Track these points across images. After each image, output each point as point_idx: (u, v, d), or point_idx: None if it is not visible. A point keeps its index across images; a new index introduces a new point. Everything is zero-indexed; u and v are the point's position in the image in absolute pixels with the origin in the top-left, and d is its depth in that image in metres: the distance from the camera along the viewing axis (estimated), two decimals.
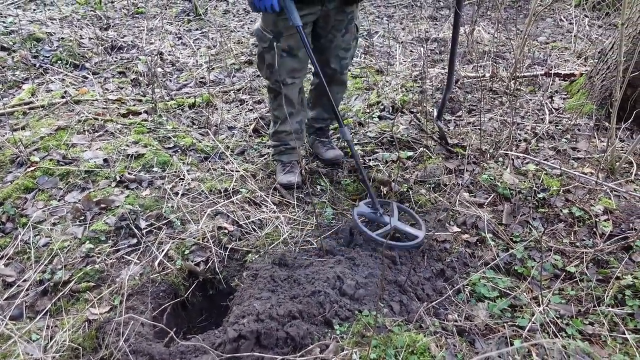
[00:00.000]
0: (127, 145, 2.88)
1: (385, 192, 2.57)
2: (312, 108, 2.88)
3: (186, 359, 1.62)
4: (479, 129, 3.16)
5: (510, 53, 4.73)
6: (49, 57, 4.22)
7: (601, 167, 2.80)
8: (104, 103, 3.47)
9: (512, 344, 1.71)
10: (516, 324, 1.82)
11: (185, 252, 2.18)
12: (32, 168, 2.61)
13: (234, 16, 6.06)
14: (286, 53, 2.39)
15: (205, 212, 2.39)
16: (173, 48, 4.83)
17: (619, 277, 2.02)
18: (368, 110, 3.61)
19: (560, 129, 3.32)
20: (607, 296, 1.94)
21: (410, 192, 2.62)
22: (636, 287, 1.95)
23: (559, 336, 1.77)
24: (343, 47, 2.53)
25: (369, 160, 2.97)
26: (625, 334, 1.77)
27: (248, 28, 5.60)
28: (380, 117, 3.50)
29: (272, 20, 2.32)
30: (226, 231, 2.31)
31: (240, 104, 3.78)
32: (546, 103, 3.69)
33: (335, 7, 2.37)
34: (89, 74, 4.07)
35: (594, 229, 2.36)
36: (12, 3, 5.44)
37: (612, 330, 1.81)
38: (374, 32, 5.55)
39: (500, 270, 2.14)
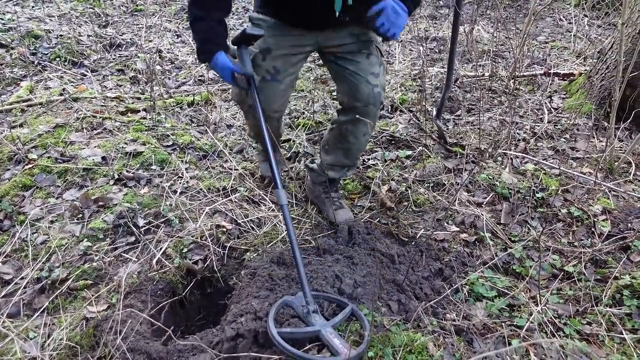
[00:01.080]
0: (126, 143, 2.88)
1: (385, 209, 2.53)
2: (328, 152, 2.34)
3: (184, 357, 1.61)
4: (478, 128, 3.16)
5: (509, 52, 4.73)
6: (47, 54, 4.20)
7: (600, 167, 2.80)
8: (103, 101, 3.46)
9: (510, 344, 1.71)
10: (514, 323, 1.82)
11: (184, 251, 2.18)
12: (30, 165, 2.61)
13: (233, 14, 6.05)
14: (270, 76, 2.06)
15: (203, 211, 2.39)
16: (172, 46, 4.82)
17: (617, 277, 2.02)
18: None
19: (559, 128, 3.32)
20: (605, 296, 1.95)
21: (409, 192, 2.61)
22: (634, 287, 1.95)
23: (557, 336, 1.77)
24: (371, 72, 2.08)
25: (368, 159, 2.97)
26: (623, 334, 1.77)
27: (247, 26, 5.58)
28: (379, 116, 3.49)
29: (262, 38, 2.01)
30: (224, 229, 2.30)
31: None
32: (545, 102, 3.69)
33: (341, 31, 2.06)
34: (87, 71, 4.05)
35: (593, 229, 2.36)
36: (10, 0, 5.42)
37: (610, 330, 1.81)
38: None
39: (499, 270, 2.14)
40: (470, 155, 2.95)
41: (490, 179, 2.70)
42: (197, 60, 2.08)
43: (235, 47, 1.99)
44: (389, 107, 3.61)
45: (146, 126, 3.13)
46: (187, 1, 1.88)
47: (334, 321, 1.67)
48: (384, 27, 1.87)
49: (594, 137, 3.20)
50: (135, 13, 5.63)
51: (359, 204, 2.58)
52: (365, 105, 2.09)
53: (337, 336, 1.60)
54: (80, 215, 2.34)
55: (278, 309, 1.69)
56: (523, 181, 2.69)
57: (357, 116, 2.10)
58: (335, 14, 1.88)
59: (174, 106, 3.52)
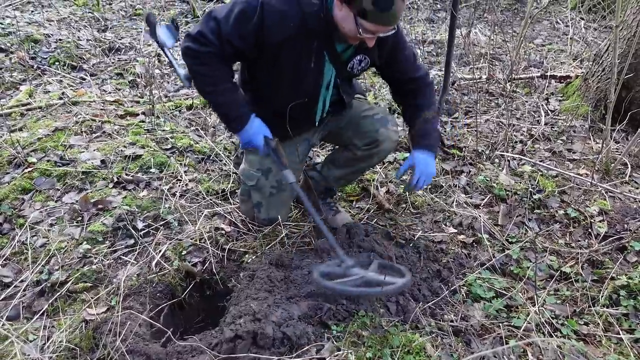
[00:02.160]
0: (125, 147, 2.89)
1: (383, 211, 2.54)
2: (338, 166, 2.30)
3: (183, 359, 1.62)
4: (476, 130, 3.18)
5: (506, 55, 4.75)
6: (46, 58, 4.22)
7: (596, 169, 2.82)
8: (102, 104, 3.47)
9: (507, 344, 1.72)
10: (512, 324, 1.84)
11: (183, 253, 2.19)
12: (30, 169, 2.61)
13: None
14: (275, 189, 2.17)
15: (202, 213, 2.40)
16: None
17: (614, 278, 2.04)
18: None
19: (555, 130, 3.34)
20: (602, 296, 1.96)
21: (407, 194, 2.63)
22: (631, 288, 1.97)
23: (554, 336, 1.78)
24: (363, 109, 2.17)
25: None
26: (619, 334, 1.78)
27: None
28: None
29: (258, 160, 2.15)
30: (223, 232, 2.31)
31: None
32: (542, 105, 3.71)
33: (326, 123, 2.16)
34: (86, 75, 4.07)
35: (589, 230, 2.37)
36: (9, 4, 5.44)
37: (607, 330, 1.83)
38: None
39: (496, 271, 2.15)
40: (468, 158, 2.97)
41: (487, 180, 2.72)
42: (228, 131, 2.07)
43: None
44: (387, 109, 3.63)
45: (145, 130, 3.14)
46: (196, 87, 1.89)
47: (373, 267, 1.83)
48: (419, 182, 2.00)
49: (590, 139, 3.22)
50: (134, 17, 5.65)
51: (357, 206, 2.60)
52: (377, 139, 2.12)
53: (383, 274, 1.74)
54: (80, 218, 2.35)
55: (320, 276, 1.76)
56: (520, 183, 2.71)
57: (373, 148, 2.14)
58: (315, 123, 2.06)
59: (172, 110, 3.53)
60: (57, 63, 4.14)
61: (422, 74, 2.05)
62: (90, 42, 4.65)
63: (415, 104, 2.06)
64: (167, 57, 2.13)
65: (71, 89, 3.74)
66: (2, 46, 4.25)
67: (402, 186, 1.76)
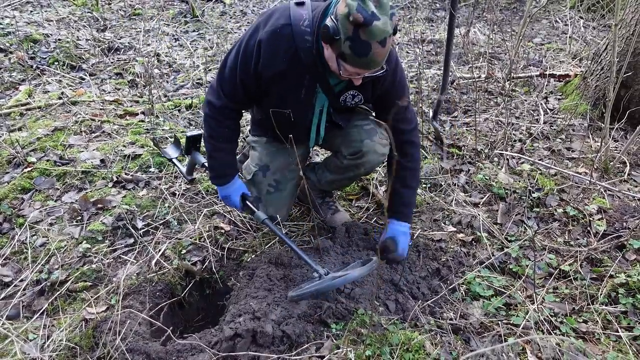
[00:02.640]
0: (124, 146, 2.89)
1: (382, 210, 2.54)
2: (331, 172, 2.25)
3: (183, 357, 1.63)
4: (475, 129, 3.18)
5: (505, 54, 4.75)
6: (46, 58, 4.22)
7: (595, 167, 2.82)
8: (101, 104, 3.48)
9: (506, 342, 1.72)
10: (511, 322, 1.84)
11: (182, 252, 2.19)
12: (29, 169, 2.62)
13: (230, 18, 6.08)
14: (273, 188, 2.20)
15: (202, 212, 2.40)
16: (170, 49, 4.84)
17: (613, 276, 2.04)
18: None
19: (554, 129, 3.35)
20: (600, 294, 1.96)
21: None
22: (629, 286, 1.97)
23: (553, 334, 1.78)
24: (356, 120, 2.11)
25: None
26: (618, 332, 1.78)
27: (245, 30, 5.62)
28: None
29: (257, 156, 2.22)
30: (223, 231, 2.32)
31: None
32: (541, 104, 3.71)
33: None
34: (85, 75, 4.07)
35: (588, 228, 2.38)
36: (9, 4, 5.44)
37: (606, 328, 1.83)
38: None
39: (495, 269, 2.15)
40: (467, 156, 2.97)
41: (486, 179, 2.72)
42: (210, 181, 2.20)
43: (188, 154, 2.30)
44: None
45: (145, 129, 3.14)
46: (205, 135, 2.02)
47: (352, 266, 1.89)
48: (403, 253, 2.04)
49: (589, 138, 3.22)
50: (134, 17, 5.65)
51: (356, 205, 2.60)
52: (361, 149, 2.06)
53: (347, 270, 1.82)
54: (79, 217, 2.35)
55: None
56: (519, 181, 2.71)
57: (358, 159, 2.09)
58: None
59: (172, 109, 3.54)
60: (56, 63, 4.15)
61: (410, 128, 2.03)
62: (89, 42, 4.65)
63: (406, 166, 2.04)
64: (174, 164, 2.46)
65: (70, 89, 3.75)
66: (2, 46, 4.25)
67: (378, 256, 1.77)
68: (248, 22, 5.89)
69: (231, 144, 2.05)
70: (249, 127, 2.44)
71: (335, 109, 2.01)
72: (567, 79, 4.02)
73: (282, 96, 1.89)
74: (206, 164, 2.17)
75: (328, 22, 1.59)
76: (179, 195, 2.53)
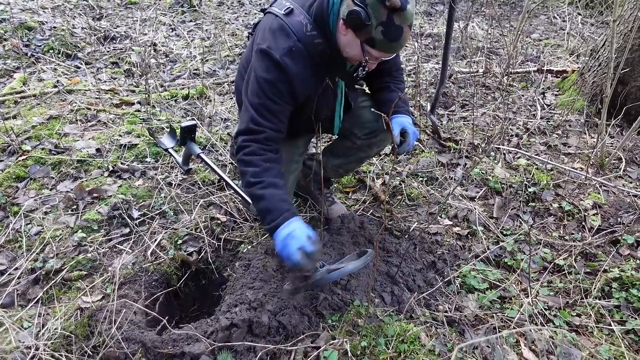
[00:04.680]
0: (120, 136, 2.87)
1: (379, 203, 2.56)
2: (337, 156, 2.26)
3: (178, 346, 1.63)
4: (472, 123, 3.19)
5: (503, 49, 4.75)
6: (40, 46, 4.17)
7: (591, 163, 2.84)
8: (97, 93, 3.45)
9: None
10: (505, 315, 1.85)
11: (178, 242, 2.19)
12: (24, 157, 2.60)
13: (228, 8, 6.03)
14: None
15: (198, 203, 2.40)
16: (167, 39, 4.80)
17: (607, 270, 2.06)
18: None
19: (551, 124, 3.36)
20: (594, 288, 1.98)
21: (403, 185, 2.63)
22: (623, 280, 1.99)
23: (547, 327, 1.80)
24: (361, 99, 2.16)
25: None
26: (611, 325, 1.80)
27: (242, 20, 5.57)
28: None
29: None
30: (219, 222, 2.31)
31: (234, 96, 3.77)
32: (538, 99, 3.72)
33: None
34: (81, 63, 4.03)
35: (583, 223, 2.39)
36: None
37: (599, 321, 1.85)
38: None
39: (490, 263, 2.17)
40: (464, 150, 2.97)
41: (483, 173, 2.73)
42: (265, 230, 1.90)
43: (184, 145, 2.21)
44: None
45: (141, 119, 3.12)
46: (243, 182, 1.76)
47: (347, 259, 1.81)
48: (412, 141, 2.00)
49: (585, 133, 3.23)
50: (130, 6, 5.59)
51: (353, 197, 2.60)
52: (377, 128, 2.09)
53: (342, 263, 1.73)
54: (75, 206, 2.34)
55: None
56: (515, 176, 2.72)
57: (372, 138, 2.13)
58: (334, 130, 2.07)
59: (168, 99, 3.51)
60: (51, 51, 4.10)
61: (400, 72, 2.11)
62: (85, 30, 4.60)
63: (390, 86, 2.07)
64: (170, 154, 2.37)
65: (66, 77, 3.71)
66: None
67: (396, 150, 1.84)
68: (245, 13, 5.85)
69: (275, 177, 1.72)
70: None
71: (348, 88, 2.02)
72: (564, 74, 4.03)
73: (313, 99, 1.86)
74: (217, 169, 2.10)
75: (355, 8, 1.55)
76: (175, 185, 2.52)
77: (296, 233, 1.57)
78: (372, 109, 1.84)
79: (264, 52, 1.68)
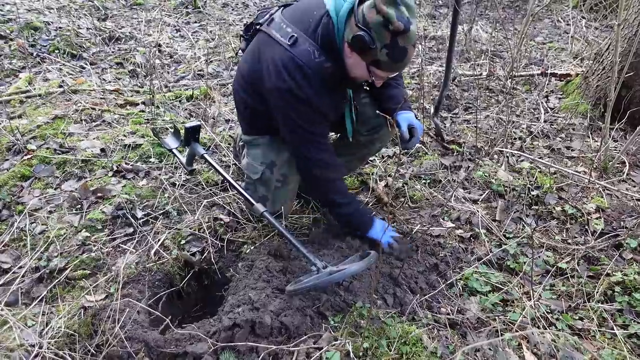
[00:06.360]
0: (125, 136, 2.88)
1: (382, 205, 2.55)
2: (340, 154, 2.25)
3: (181, 346, 1.63)
4: (475, 126, 3.19)
5: (507, 52, 4.75)
6: (46, 46, 4.20)
7: (594, 166, 2.83)
8: (102, 93, 3.47)
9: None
10: (507, 318, 1.85)
11: (181, 242, 2.19)
12: (29, 156, 2.61)
13: (232, 9, 6.05)
14: (280, 183, 2.17)
15: (201, 203, 2.41)
16: (171, 40, 4.82)
17: (609, 274, 2.05)
18: None
19: (555, 128, 3.35)
20: (597, 292, 1.98)
21: (406, 188, 2.64)
22: (625, 284, 1.98)
23: (549, 330, 1.80)
24: (362, 96, 2.23)
25: None
26: (613, 329, 1.80)
27: (247, 22, 5.59)
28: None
29: (261, 154, 2.16)
30: (222, 222, 2.32)
31: None
32: (542, 102, 3.72)
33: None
34: (86, 64, 4.05)
35: (586, 227, 2.39)
36: None
37: (601, 325, 1.84)
38: None
39: (493, 266, 2.17)
40: (467, 153, 2.98)
41: (486, 176, 2.73)
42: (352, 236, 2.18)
43: (188, 145, 2.24)
44: None
45: (145, 119, 3.13)
46: (322, 201, 2.13)
47: (350, 260, 1.89)
48: (418, 135, 2.09)
49: (589, 137, 3.23)
50: (135, 7, 5.62)
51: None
52: (379, 124, 2.20)
53: (345, 264, 1.83)
54: (79, 206, 2.35)
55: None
56: (518, 179, 2.72)
57: (375, 133, 2.23)
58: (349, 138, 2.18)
59: (172, 100, 3.53)
60: (56, 51, 4.12)
61: (400, 81, 2.18)
62: (90, 30, 4.63)
63: (390, 83, 2.12)
64: (174, 154, 2.38)
65: (71, 77, 3.73)
66: (2, 33, 4.22)
67: (404, 146, 2.03)
68: (250, 15, 5.86)
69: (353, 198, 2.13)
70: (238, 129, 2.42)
71: (354, 92, 2.09)
72: (568, 78, 4.02)
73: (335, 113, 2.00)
74: (220, 170, 2.15)
75: (358, 32, 1.59)
76: (178, 185, 2.53)
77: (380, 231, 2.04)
78: (378, 111, 1.87)
79: (289, 93, 1.77)
